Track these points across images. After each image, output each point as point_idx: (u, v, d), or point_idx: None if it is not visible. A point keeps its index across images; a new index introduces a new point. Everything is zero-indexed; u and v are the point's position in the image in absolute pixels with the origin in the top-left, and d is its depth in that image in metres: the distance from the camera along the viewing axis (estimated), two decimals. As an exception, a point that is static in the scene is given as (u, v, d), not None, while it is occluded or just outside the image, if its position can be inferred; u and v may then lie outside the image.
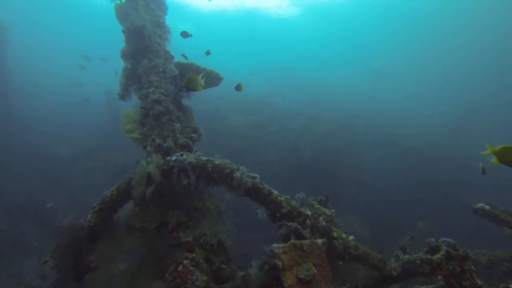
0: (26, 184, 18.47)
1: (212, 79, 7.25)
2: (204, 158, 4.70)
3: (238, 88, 6.68)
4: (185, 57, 7.50)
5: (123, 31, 7.27)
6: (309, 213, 4.45)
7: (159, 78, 6.41)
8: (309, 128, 21.44)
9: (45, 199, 18.11)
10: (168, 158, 4.76)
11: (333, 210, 4.72)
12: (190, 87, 5.34)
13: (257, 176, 4.65)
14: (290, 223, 4.30)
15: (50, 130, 23.14)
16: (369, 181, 18.75)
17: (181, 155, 4.81)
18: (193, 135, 5.79)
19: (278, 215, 4.47)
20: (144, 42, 6.92)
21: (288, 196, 4.65)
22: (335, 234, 4.36)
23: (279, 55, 37.62)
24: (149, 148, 5.33)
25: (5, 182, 18.20)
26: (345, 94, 27.13)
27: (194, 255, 4.18)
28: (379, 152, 21.14)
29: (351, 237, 4.44)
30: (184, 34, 9.21)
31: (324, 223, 4.31)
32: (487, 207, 6.97)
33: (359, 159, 19.60)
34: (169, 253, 4.25)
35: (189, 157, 4.72)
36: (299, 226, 4.25)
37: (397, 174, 20.83)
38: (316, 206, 4.60)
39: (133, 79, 6.84)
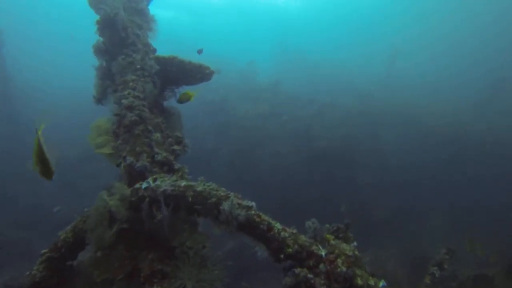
0: (33, 188, 18.05)
1: (202, 74, 6.10)
2: (183, 184, 3.61)
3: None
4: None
5: (95, 23, 6.16)
6: (323, 253, 3.32)
7: (136, 77, 5.30)
8: (323, 115, 20.06)
9: (53, 203, 17.63)
10: (137, 185, 3.69)
11: (355, 244, 3.58)
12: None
13: (253, 204, 3.54)
14: (298, 270, 3.20)
15: (56, 132, 22.60)
16: (391, 173, 17.36)
17: (154, 179, 3.73)
18: (175, 147, 4.71)
19: (282, 256, 3.37)
20: (118, 34, 5.80)
21: (295, 231, 3.52)
22: (359, 281, 3.22)
23: (288, 37, 35.73)
24: (122, 168, 4.28)
25: (11, 186, 17.84)
26: (360, 76, 25.37)
27: (172, 315, 3.16)
28: (400, 137, 19.64)
29: (381, 284, 3.29)
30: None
31: (344, 268, 3.17)
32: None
33: (379, 149, 18.18)
34: (141, 314, 3.24)
35: (163, 183, 3.64)
36: (310, 275, 3.14)
37: (420, 160, 19.46)
38: (333, 242, 3.46)
39: (109, 79, 5.77)
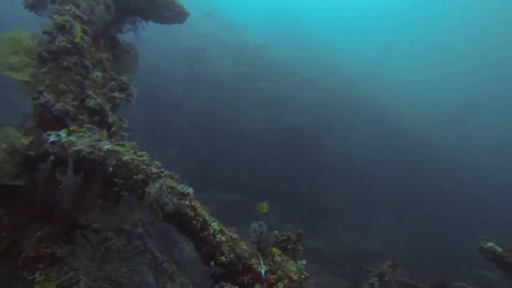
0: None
1: (174, 13, 5.00)
2: (106, 147, 2.73)
3: None
4: None
5: None
6: (263, 270, 2.68)
7: (87, -8, 4.13)
8: (302, 90, 19.30)
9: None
10: (43, 136, 2.75)
11: (304, 263, 2.98)
12: None
13: (190, 191, 2.76)
14: (229, 287, 2.55)
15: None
16: (355, 164, 17.33)
17: (69, 132, 2.81)
18: (116, 94, 3.73)
19: (212, 263, 2.69)
20: None
21: (235, 235, 2.82)
22: (298, 310, 2.65)
23: (286, 5, 33.73)
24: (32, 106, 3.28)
25: None
26: (349, 63, 24.66)
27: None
28: (371, 132, 19.56)
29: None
30: None
31: (283, 296, 2.56)
32: (500, 249, 5.41)
33: (349, 137, 17.95)
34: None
35: (80, 141, 2.74)
36: (240, 297, 2.50)
37: (385, 158, 19.68)
38: (278, 258, 2.82)
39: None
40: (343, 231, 15.24)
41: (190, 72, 18.38)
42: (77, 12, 3.73)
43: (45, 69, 3.55)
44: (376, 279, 5.91)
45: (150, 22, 5.30)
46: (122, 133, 3.65)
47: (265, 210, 4.37)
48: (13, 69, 3.58)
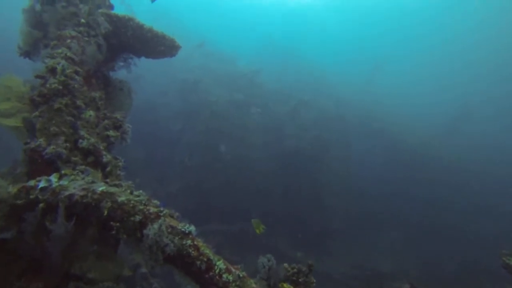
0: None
1: (166, 47, 5.02)
2: (100, 189, 2.59)
3: None
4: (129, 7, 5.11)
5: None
6: (276, 310, 2.47)
7: (78, 34, 4.14)
8: (298, 113, 19.39)
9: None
10: (31, 182, 2.62)
11: (318, 298, 2.77)
12: None
13: (192, 229, 2.60)
14: (238, 332, 2.33)
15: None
16: (355, 183, 17.12)
17: (60, 176, 2.68)
18: (110, 133, 3.63)
19: (219, 306, 2.48)
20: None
21: (243, 273, 2.63)
22: None
23: (276, 32, 34.92)
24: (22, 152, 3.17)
25: None
26: (341, 83, 25.05)
27: None
28: (370, 149, 19.52)
29: None
30: None
31: (299, 337, 2.34)
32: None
33: (348, 157, 17.86)
34: None
35: (72, 184, 2.60)
36: None
37: (386, 175, 19.49)
38: (290, 294, 2.62)
39: (41, 29, 4.55)
40: (350, 251, 14.83)
41: (186, 105, 18.52)
42: (68, 53, 3.71)
43: (37, 113, 3.48)
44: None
45: (143, 59, 5.33)
46: (118, 172, 3.52)
47: (258, 232, 4.24)
48: (4, 116, 3.50)
